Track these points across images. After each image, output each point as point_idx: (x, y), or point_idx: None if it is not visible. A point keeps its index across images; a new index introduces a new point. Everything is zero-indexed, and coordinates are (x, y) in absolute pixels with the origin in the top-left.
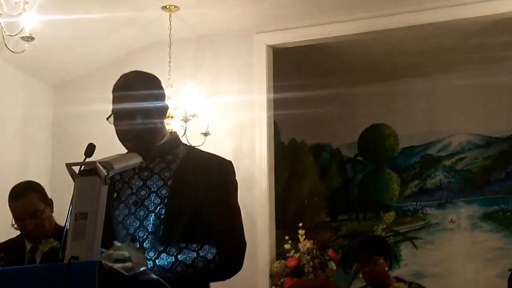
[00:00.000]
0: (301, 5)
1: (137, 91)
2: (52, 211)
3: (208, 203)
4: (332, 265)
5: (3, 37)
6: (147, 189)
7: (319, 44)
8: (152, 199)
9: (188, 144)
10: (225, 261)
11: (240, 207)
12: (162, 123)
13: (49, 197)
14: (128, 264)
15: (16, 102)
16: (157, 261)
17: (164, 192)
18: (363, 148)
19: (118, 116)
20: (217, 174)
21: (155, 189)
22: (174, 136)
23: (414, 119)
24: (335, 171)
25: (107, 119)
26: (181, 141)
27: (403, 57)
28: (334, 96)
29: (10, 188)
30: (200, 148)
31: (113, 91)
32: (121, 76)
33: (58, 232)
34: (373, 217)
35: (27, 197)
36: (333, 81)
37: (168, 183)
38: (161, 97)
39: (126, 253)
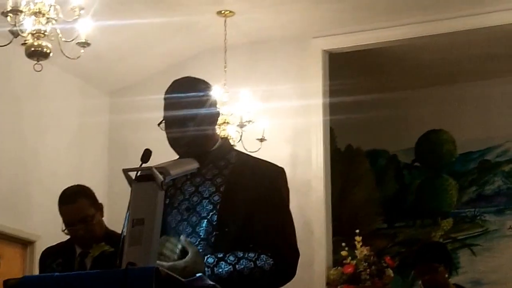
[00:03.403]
0: (357, 10)
1: (189, 97)
2: (102, 216)
3: (261, 210)
4: (390, 272)
5: (59, 43)
6: (199, 195)
7: (375, 48)
8: (204, 205)
9: (245, 150)
10: (280, 271)
11: (296, 214)
12: (213, 129)
13: (101, 202)
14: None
15: (73, 108)
16: (215, 269)
17: (216, 198)
18: (420, 153)
19: (169, 123)
20: (269, 180)
21: (207, 195)
22: (226, 142)
23: (471, 124)
24: (391, 177)
25: (159, 125)
26: (232, 147)
27: (461, 61)
28: (391, 101)
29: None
30: (255, 154)
31: (165, 97)
32: (173, 82)
33: (109, 236)
34: (431, 224)
35: (77, 203)
36: (389, 86)
37: (221, 189)
38: (213, 103)
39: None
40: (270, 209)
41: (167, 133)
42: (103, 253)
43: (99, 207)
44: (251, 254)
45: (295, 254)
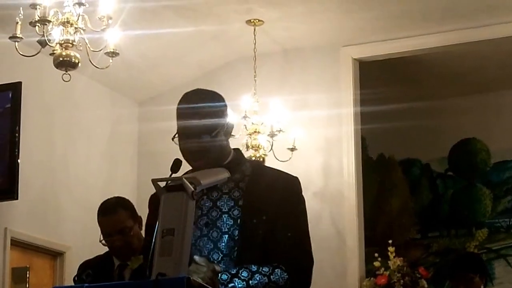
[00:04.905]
0: (387, 18)
1: (206, 107)
2: (141, 228)
3: (281, 221)
4: (424, 283)
5: (88, 53)
6: (218, 210)
7: (407, 56)
8: (224, 220)
9: (276, 159)
10: (295, 283)
11: (329, 223)
12: (227, 140)
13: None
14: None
15: (102, 118)
16: (229, 285)
17: (236, 212)
18: (454, 163)
19: (184, 134)
20: (287, 191)
21: (227, 210)
22: (239, 153)
23: (506, 132)
24: (425, 186)
25: (173, 139)
26: (245, 158)
27: (495, 69)
28: (423, 110)
29: (98, 204)
30: (287, 164)
31: (179, 107)
32: (186, 93)
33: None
34: (465, 234)
35: (116, 214)
36: (422, 94)
37: (239, 203)
38: (226, 114)
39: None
40: (290, 219)
41: (180, 144)
42: (141, 265)
43: (137, 220)
44: (265, 269)
45: (311, 264)
